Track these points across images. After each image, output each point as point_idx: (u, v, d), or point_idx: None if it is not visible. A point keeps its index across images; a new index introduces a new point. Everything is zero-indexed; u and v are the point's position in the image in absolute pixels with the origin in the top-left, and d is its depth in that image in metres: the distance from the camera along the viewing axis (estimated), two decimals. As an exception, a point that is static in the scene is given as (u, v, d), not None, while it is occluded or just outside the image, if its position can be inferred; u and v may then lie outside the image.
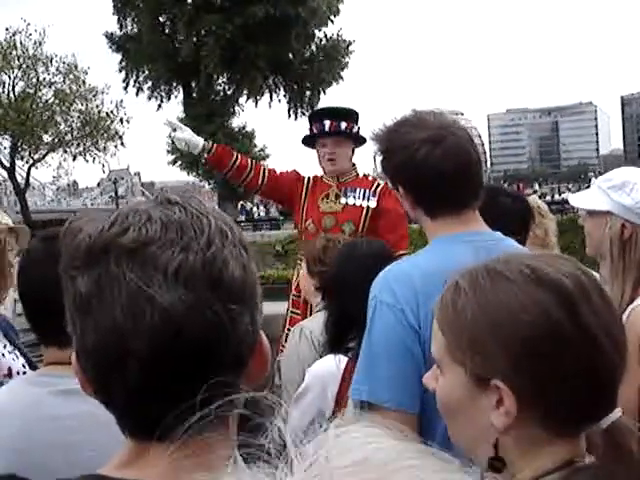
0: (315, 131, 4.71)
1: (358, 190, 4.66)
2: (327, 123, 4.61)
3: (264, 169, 4.82)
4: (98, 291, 0.87)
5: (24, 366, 2.86)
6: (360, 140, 4.68)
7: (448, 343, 1.21)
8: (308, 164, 5.72)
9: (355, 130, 4.66)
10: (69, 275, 0.90)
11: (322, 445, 0.48)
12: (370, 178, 4.81)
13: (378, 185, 4.70)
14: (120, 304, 0.86)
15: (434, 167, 1.95)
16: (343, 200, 4.66)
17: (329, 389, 2.62)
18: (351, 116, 4.76)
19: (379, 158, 2.08)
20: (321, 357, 3.04)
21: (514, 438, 1.17)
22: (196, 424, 0.88)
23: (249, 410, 0.96)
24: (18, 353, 2.92)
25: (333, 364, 2.61)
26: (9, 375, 2.78)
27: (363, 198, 4.63)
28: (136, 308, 0.86)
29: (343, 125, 4.61)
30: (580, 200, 2.68)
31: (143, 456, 0.93)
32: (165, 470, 0.91)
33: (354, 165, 4.79)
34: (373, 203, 4.62)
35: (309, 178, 4.85)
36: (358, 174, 4.78)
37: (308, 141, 4.84)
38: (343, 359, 2.50)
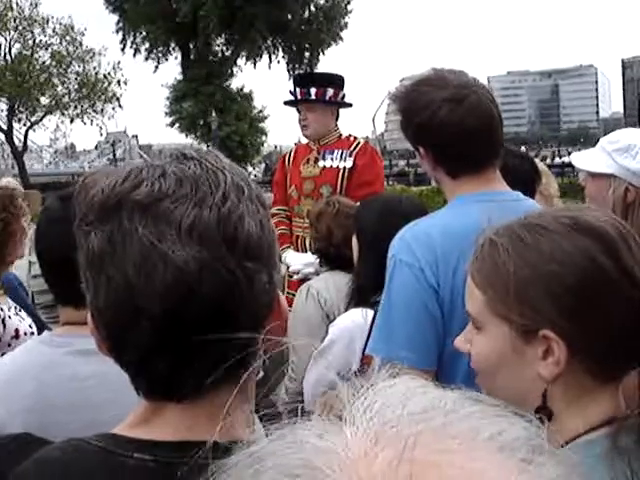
0: (292, 97, 4.80)
1: (336, 152, 4.70)
2: (298, 90, 4.72)
3: (287, 215, 4.85)
4: (110, 247, 0.85)
5: (31, 326, 2.87)
6: (339, 104, 4.77)
7: (489, 299, 1.21)
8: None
9: (329, 95, 4.69)
10: (82, 231, 0.88)
11: (374, 398, 0.46)
12: (351, 139, 4.82)
13: (358, 145, 4.73)
14: (132, 261, 0.84)
15: (456, 125, 1.94)
16: (321, 163, 4.71)
17: (357, 342, 2.61)
18: (328, 81, 4.79)
19: (398, 117, 2.05)
20: (328, 317, 3.05)
21: (562, 387, 1.18)
22: (211, 383, 0.87)
23: (264, 371, 0.95)
24: (24, 314, 2.92)
25: (360, 317, 2.59)
26: (16, 337, 2.79)
27: (340, 159, 4.67)
28: (149, 265, 0.83)
29: (313, 91, 4.66)
30: (583, 161, 2.64)
31: (158, 415, 0.92)
32: (180, 429, 0.90)
33: (337, 127, 4.82)
34: (349, 163, 4.64)
35: (290, 150, 5.03)
36: (341, 135, 4.80)
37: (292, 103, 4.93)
38: (370, 312, 2.47)
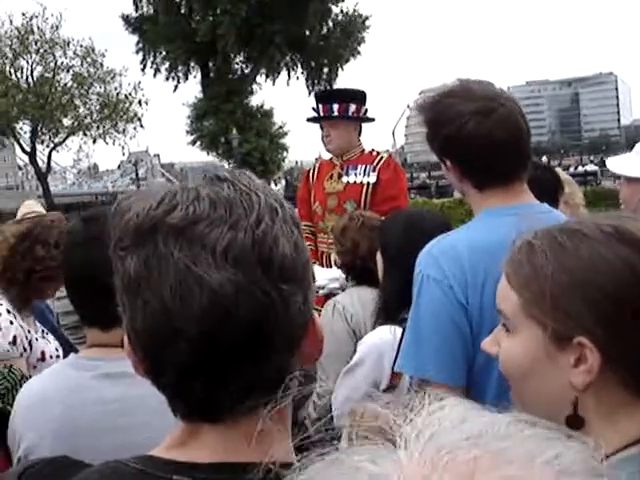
0: (314, 113, 4.83)
1: (359, 167, 4.70)
2: (320, 107, 4.73)
3: (312, 231, 4.87)
4: (146, 272, 0.85)
5: (57, 349, 2.88)
6: (362, 119, 4.78)
7: (525, 302, 1.19)
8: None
9: (352, 111, 4.69)
10: (118, 255, 0.88)
11: (426, 421, 0.46)
12: (374, 153, 4.83)
13: (381, 159, 4.73)
14: (169, 285, 0.84)
15: (484, 138, 1.92)
16: (345, 179, 4.71)
17: (385, 359, 2.59)
18: (350, 97, 4.80)
19: (423, 130, 2.04)
20: (354, 332, 3.04)
21: (595, 398, 1.16)
22: (249, 406, 0.87)
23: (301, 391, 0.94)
24: (51, 337, 2.94)
25: (389, 334, 2.57)
26: (42, 359, 2.80)
27: (364, 175, 4.67)
28: (185, 289, 0.83)
29: (335, 107, 4.67)
30: (619, 165, 2.64)
31: (194, 437, 0.91)
32: (217, 451, 0.90)
33: (359, 142, 4.82)
34: (373, 178, 4.64)
35: (314, 166, 5.04)
36: (364, 150, 4.81)
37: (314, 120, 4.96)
38: (398, 329, 2.46)
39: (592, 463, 0.44)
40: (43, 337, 2.90)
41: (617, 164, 2.66)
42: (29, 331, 2.82)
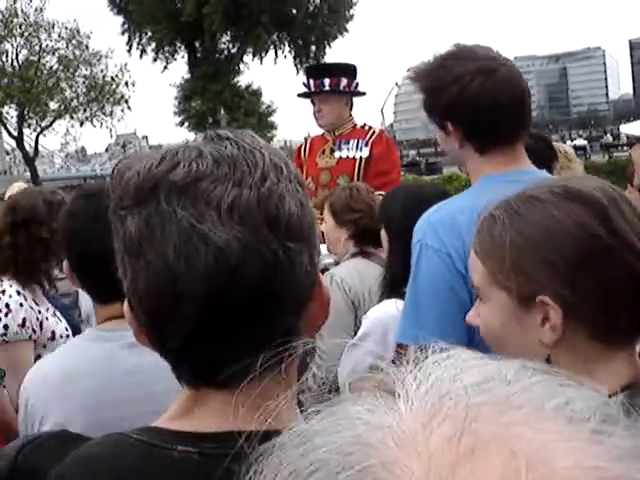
0: (305, 89, 4.80)
1: (352, 142, 4.70)
2: (311, 82, 4.71)
3: None
4: (149, 231, 0.82)
5: (67, 329, 2.88)
6: (353, 93, 4.78)
7: (489, 270, 1.26)
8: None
9: (343, 85, 4.68)
10: (118, 216, 0.86)
11: (428, 371, 0.44)
12: (366, 128, 4.82)
13: (373, 134, 4.73)
14: (172, 244, 0.81)
15: (489, 97, 1.90)
16: (337, 154, 4.71)
17: (390, 333, 2.58)
18: (342, 71, 4.78)
19: (423, 97, 2.01)
20: (353, 303, 3.05)
21: (569, 354, 1.20)
22: (255, 370, 0.84)
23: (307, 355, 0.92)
24: (60, 315, 2.93)
25: (394, 308, 2.56)
26: (52, 338, 2.79)
27: (356, 149, 4.67)
28: (189, 247, 0.81)
29: (326, 82, 4.65)
30: (631, 127, 2.68)
31: (200, 405, 0.89)
32: (224, 419, 0.87)
33: (351, 116, 4.81)
34: (366, 152, 4.64)
35: (306, 140, 5.02)
36: (355, 125, 4.79)
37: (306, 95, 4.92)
38: (401, 303, 2.45)
39: (607, 409, 0.41)
40: (54, 315, 2.90)
41: (629, 127, 2.73)
42: (39, 311, 2.82)
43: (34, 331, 2.76)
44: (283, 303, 0.85)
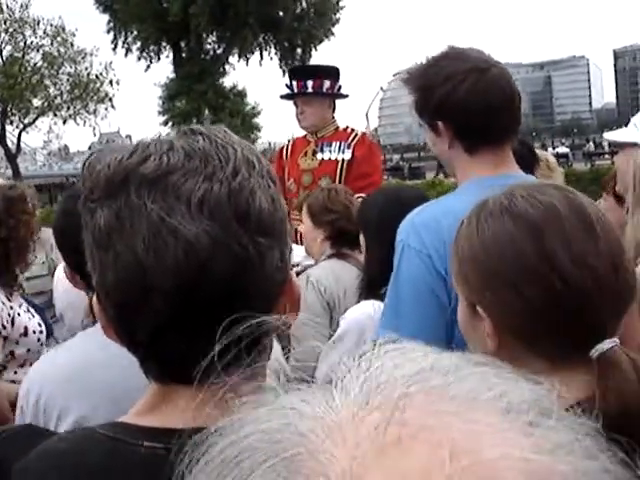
0: (288, 90, 4.79)
1: (334, 144, 4.70)
2: (294, 83, 4.71)
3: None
4: (118, 224, 0.82)
5: (40, 325, 2.85)
6: (336, 95, 4.78)
7: (453, 275, 1.32)
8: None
9: (326, 87, 4.68)
10: (88, 208, 0.85)
11: (370, 363, 0.43)
12: (349, 130, 4.82)
13: (355, 136, 4.73)
14: (142, 237, 0.81)
15: (481, 96, 1.92)
16: (319, 156, 4.71)
17: (367, 334, 2.58)
18: (325, 73, 4.79)
19: (415, 97, 2.02)
20: (328, 304, 3.05)
21: (512, 364, 1.17)
22: (223, 365, 0.84)
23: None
24: (34, 311, 2.90)
25: (371, 309, 2.57)
26: (25, 334, 2.77)
27: (339, 151, 4.67)
28: (158, 241, 0.80)
29: (309, 84, 4.66)
30: (613, 134, 2.70)
31: (168, 401, 0.89)
32: (192, 415, 0.87)
33: (333, 119, 4.82)
34: (348, 155, 4.64)
35: (289, 141, 5.01)
36: (338, 127, 4.80)
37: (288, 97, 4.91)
38: (380, 304, 2.46)
39: (545, 403, 0.41)
40: (28, 311, 2.87)
41: (611, 134, 2.74)
42: (11, 307, 2.79)
43: (4, 327, 2.73)
44: (253, 298, 0.85)
